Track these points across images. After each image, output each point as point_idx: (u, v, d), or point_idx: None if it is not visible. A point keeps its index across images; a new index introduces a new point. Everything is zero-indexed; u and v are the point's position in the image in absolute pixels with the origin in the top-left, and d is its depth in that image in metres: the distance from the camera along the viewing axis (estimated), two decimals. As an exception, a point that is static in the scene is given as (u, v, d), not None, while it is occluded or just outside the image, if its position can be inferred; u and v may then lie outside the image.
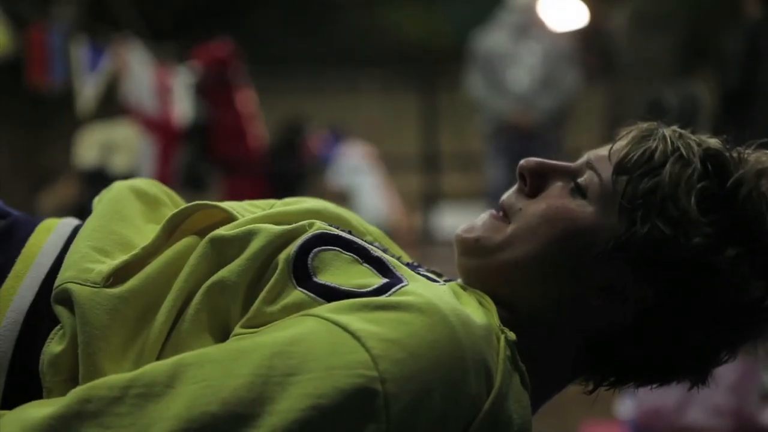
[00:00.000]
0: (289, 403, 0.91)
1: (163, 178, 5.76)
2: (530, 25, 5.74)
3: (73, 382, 1.00)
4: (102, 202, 1.16)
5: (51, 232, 1.13)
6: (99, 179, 5.52)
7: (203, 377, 0.93)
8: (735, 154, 1.07)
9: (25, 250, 1.09)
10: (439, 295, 0.99)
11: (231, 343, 0.98)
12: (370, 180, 8.02)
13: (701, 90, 5.62)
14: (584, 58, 6.01)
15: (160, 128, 5.88)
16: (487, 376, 0.98)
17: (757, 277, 1.05)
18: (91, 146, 5.86)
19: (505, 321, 1.05)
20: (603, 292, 1.06)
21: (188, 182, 5.81)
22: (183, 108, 6.00)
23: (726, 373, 3.04)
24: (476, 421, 0.97)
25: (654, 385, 1.13)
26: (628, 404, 3.23)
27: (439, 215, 8.29)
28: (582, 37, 6.68)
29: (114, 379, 0.95)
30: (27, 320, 1.04)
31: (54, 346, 1.01)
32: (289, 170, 7.20)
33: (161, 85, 5.99)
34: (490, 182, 5.85)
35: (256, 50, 6.92)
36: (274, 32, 9.30)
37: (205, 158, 6.09)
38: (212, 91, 5.96)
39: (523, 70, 5.64)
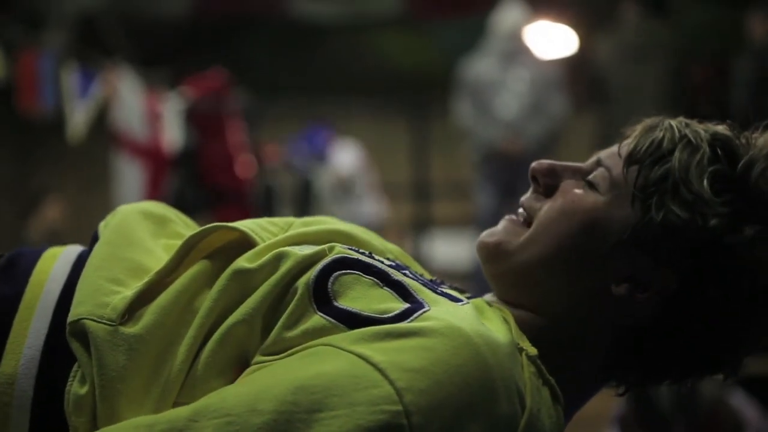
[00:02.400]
0: None
1: (153, 204, 5.74)
2: (517, 51, 5.75)
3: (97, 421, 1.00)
4: (108, 227, 1.15)
5: (57, 258, 1.12)
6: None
7: (227, 412, 0.92)
8: (743, 139, 1.08)
9: (32, 279, 1.08)
10: (462, 317, 0.99)
11: (253, 376, 0.97)
12: (364, 177, 7.99)
13: None
14: (572, 84, 6.03)
15: (149, 155, 5.88)
16: (519, 394, 0.97)
17: None
18: None
19: (533, 328, 1.06)
20: (626, 282, 1.06)
21: (178, 209, 5.78)
22: (173, 135, 6.00)
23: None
24: None
25: (687, 381, 1.12)
26: (616, 433, 3.23)
27: (431, 243, 8.28)
28: (570, 64, 6.71)
29: (140, 419, 0.95)
30: (44, 356, 1.03)
31: (77, 387, 1.00)
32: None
33: (151, 111, 5.99)
34: (479, 210, 5.86)
35: (246, 77, 6.93)
36: (263, 59, 9.32)
37: (194, 185, 6.08)
38: (203, 118, 5.96)
39: (511, 97, 5.65)
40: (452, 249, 7.71)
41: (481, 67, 5.74)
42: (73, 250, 1.15)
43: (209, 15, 8.75)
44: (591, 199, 1.08)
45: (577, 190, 1.10)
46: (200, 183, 6.04)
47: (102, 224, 1.17)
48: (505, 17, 5.79)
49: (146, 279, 1.05)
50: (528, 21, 6.05)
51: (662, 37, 5.82)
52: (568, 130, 6.24)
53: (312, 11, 8.77)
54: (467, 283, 5.81)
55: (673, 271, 1.05)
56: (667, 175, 1.05)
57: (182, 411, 0.94)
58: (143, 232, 1.14)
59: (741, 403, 3.13)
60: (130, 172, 5.88)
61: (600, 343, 1.08)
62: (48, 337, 1.04)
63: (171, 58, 8.30)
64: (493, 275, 1.13)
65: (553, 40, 7.07)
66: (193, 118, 5.98)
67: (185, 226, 1.21)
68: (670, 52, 5.79)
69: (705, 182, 1.04)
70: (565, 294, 1.08)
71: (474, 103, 5.69)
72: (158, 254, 1.11)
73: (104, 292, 1.04)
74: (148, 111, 5.97)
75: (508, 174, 5.56)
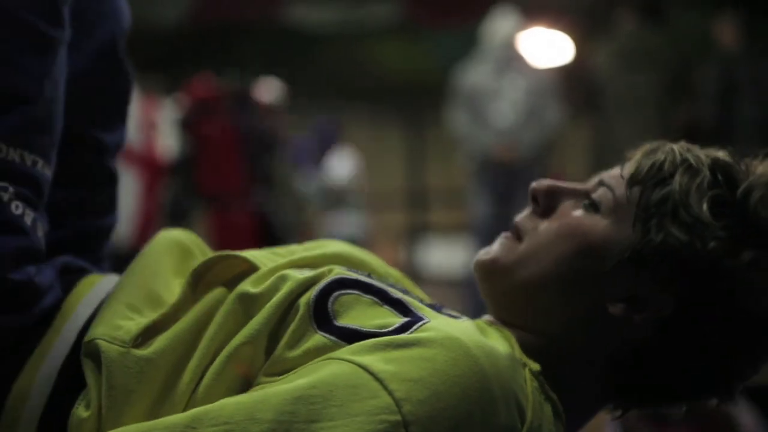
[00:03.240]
0: None
1: (148, 212, 5.75)
2: (512, 59, 5.76)
3: None
4: (142, 254, 1.17)
5: (93, 286, 1.15)
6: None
7: (225, 420, 0.92)
8: (743, 165, 1.09)
9: (64, 305, 1.11)
10: (462, 329, 0.99)
11: (254, 390, 0.98)
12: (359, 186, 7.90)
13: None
14: (568, 92, 6.03)
15: (144, 162, 5.88)
16: (518, 406, 0.97)
17: None
18: None
19: (531, 347, 1.06)
20: (623, 303, 1.06)
21: (173, 216, 5.80)
22: (168, 142, 6.00)
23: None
24: None
25: (682, 406, 1.13)
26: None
27: (425, 250, 8.30)
28: (566, 71, 6.71)
29: (138, 425, 0.97)
30: (59, 377, 1.05)
31: (81, 410, 1.01)
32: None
33: (146, 118, 5.99)
34: (475, 217, 5.85)
35: (242, 83, 6.92)
36: (260, 66, 9.33)
37: (190, 192, 6.08)
38: (198, 125, 5.97)
39: (506, 105, 5.65)
40: (447, 256, 7.71)
41: (476, 75, 5.75)
42: (112, 279, 1.17)
43: (205, 22, 8.76)
44: (589, 222, 1.09)
45: (576, 213, 1.10)
46: (196, 189, 6.04)
47: (141, 250, 1.20)
48: (499, 26, 5.79)
49: (162, 311, 1.07)
50: (522, 29, 6.05)
51: (658, 45, 5.82)
52: (564, 138, 6.24)
53: (308, 18, 8.78)
54: (461, 290, 5.80)
55: (671, 292, 1.05)
56: (668, 198, 1.06)
57: (180, 417, 0.94)
58: (167, 265, 1.16)
59: (738, 408, 3.13)
60: (124, 180, 5.88)
61: (597, 363, 1.09)
62: (67, 359, 1.06)
63: (167, 66, 8.30)
64: (489, 294, 1.14)
65: (548, 47, 7.08)
66: (189, 124, 5.99)
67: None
68: (667, 60, 5.79)
69: (704, 206, 1.05)
70: (560, 314, 1.08)
71: (469, 112, 5.69)
72: (173, 289, 1.12)
73: (120, 316, 1.06)
74: (144, 119, 5.96)
75: (504, 181, 5.56)
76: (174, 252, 1.18)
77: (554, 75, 6.14)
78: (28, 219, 1.10)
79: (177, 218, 5.78)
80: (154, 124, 5.98)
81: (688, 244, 1.04)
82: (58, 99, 1.16)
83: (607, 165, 1.17)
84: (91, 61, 1.26)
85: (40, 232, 1.12)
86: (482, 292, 1.14)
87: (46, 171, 1.14)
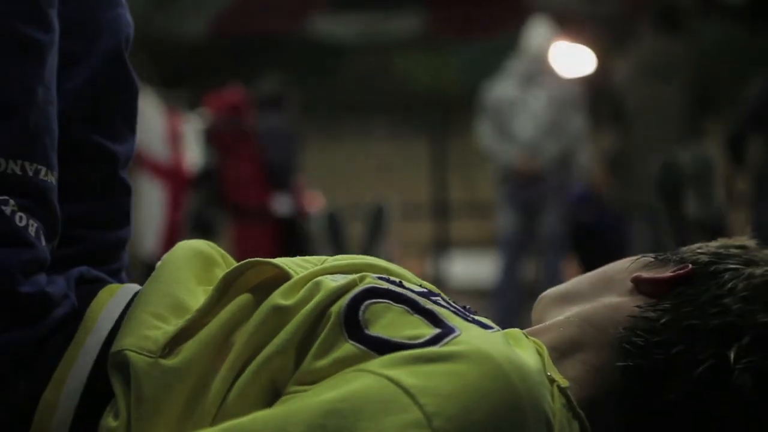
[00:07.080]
0: None
1: (173, 224, 5.79)
2: (538, 73, 5.77)
3: None
4: (162, 263, 1.17)
5: (113, 294, 1.15)
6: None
7: None
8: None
9: (86, 315, 1.11)
10: (492, 343, 0.99)
11: (283, 403, 0.98)
12: None
13: (713, 150, 5.65)
14: (591, 104, 6.03)
15: (170, 174, 5.91)
16: (547, 423, 0.97)
17: None
18: None
19: (563, 365, 1.07)
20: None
21: (198, 228, 5.83)
22: (193, 154, 6.04)
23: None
24: None
25: None
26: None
27: (450, 262, 8.28)
28: (589, 83, 6.70)
29: None
30: (86, 389, 1.06)
31: (110, 420, 1.02)
32: None
33: (172, 131, 6.03)
34: (501, 229, 5.87)
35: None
36: (283, 79, 9.37)
37: (214, 204, 6.10)
38: (223, 137, 6.00)
39: (528, 117, 5.66)
40: (471, 268, 7.71)
41: (501, 89, 5.76)
42: (130, 289, 1.17)
43: (229, 36, 8.81)
44: None
45: None
46: (221, 202, 6.07)
47: (161, 261, 1.19)
48: (533, 37, 5.80)
49: (188, 317, 1.07)
50: (553, 42, 6.06)
51: (678, 56, 5.81)
52: (587, 148, 6.23)
53: (332, 31, 8.82)
54: (486, 302, 5.80)
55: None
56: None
57: (212, 431, 0.95)
58: (190, 272, 1.16)
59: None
60: (151, 192, 5.92)
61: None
62: (92, 370, 1.07)
63: (191, 79, 8.36)
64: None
65: (571, 59, 7.07)
66: (213, 136, 6.02)
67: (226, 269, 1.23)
68: (687, 71, 5.77)
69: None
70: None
71: (494, 125, 5.71)
72: (198, 297, 1.12)
73: (147, 326, 1.06)
74: (169, 131, 6.01)
75: (527, 193, 5.58)
76: (195, 260, 1.18)
77: (577, 86, 6.14)
78: (32, 229, 1.10)
79: (201, 229, 5.82)
80: (180, 137, 6.02)
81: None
82: (52, 101, 1.15)
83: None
84: (97, 72, 1.25)
85: (45, 241, 1.12)
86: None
87: (49, 178, 1.13)
